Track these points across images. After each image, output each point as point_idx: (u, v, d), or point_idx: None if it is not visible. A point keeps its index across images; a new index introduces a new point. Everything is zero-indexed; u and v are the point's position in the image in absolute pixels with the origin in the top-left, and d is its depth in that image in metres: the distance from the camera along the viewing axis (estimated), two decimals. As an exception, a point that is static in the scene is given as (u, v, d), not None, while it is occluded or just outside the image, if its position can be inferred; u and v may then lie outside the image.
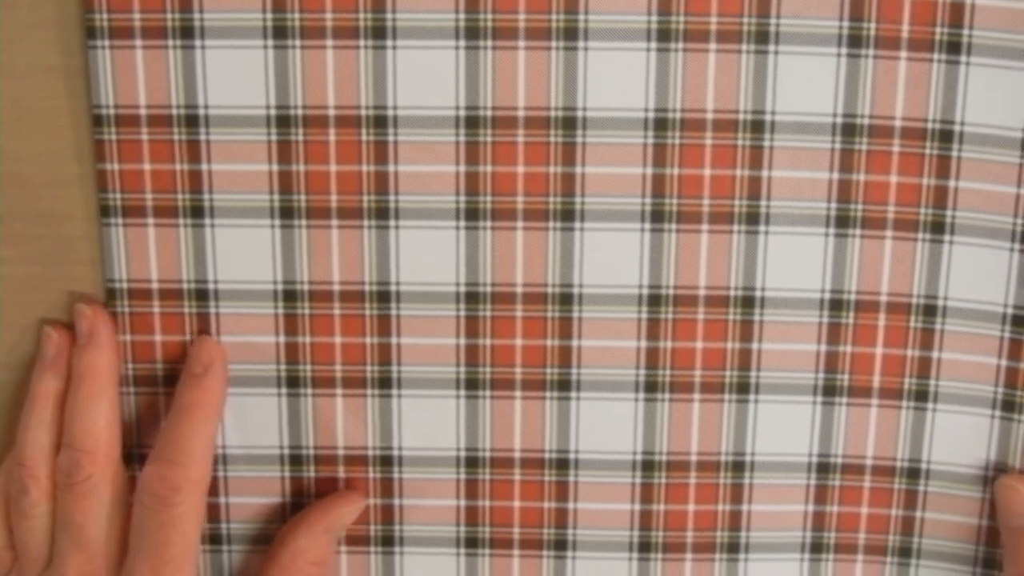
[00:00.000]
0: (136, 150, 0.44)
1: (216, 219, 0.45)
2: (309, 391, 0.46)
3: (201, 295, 0.45)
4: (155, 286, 0.45)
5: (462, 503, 0.47)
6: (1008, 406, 0.45)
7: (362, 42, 0.43)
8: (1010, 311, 0.45)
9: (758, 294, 0.45)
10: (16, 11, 0.44)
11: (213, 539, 0.48)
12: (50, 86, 0.44)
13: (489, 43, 0.43)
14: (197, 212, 0.45)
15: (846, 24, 0.42)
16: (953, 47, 0.42)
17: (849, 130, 0.43)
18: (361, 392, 0.46)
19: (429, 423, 0.47)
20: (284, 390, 0.46)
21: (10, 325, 0.47)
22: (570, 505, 0.47)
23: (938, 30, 0.42)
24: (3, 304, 0.46)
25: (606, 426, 0.46)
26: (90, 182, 0.45)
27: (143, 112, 0.44)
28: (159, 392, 0.46)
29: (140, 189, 0.44)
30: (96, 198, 0.45)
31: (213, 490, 0.47)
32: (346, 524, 0.47)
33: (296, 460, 0.47)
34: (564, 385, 0.46)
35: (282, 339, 0.46)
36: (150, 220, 0.45)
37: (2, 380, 0.47)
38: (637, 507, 0.47)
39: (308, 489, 0.47)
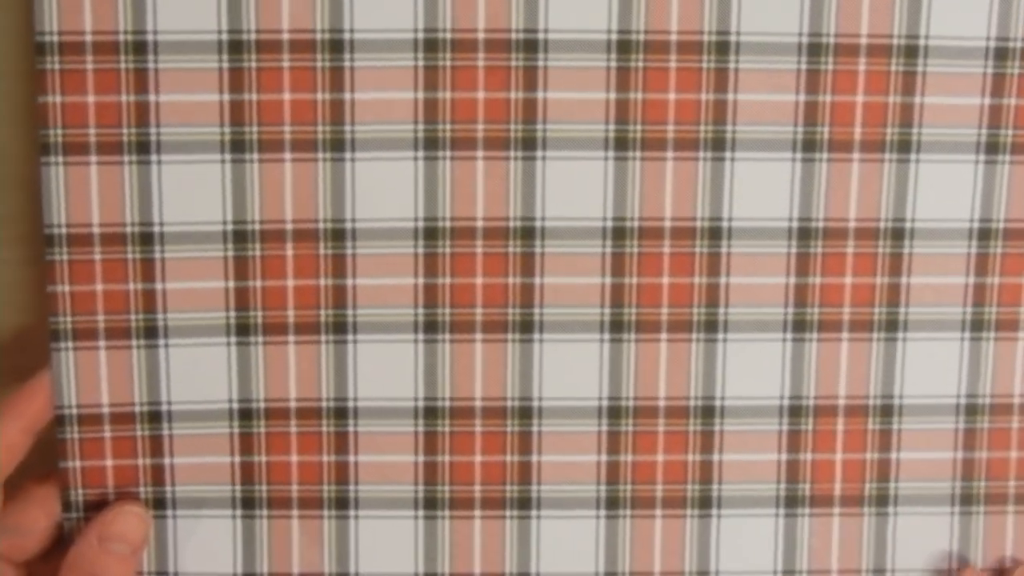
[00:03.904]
0: (88, 269, 0.43)
1: (171, 339, 0.44)
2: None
3: (154, 417, 0.44)
4: (106, 410, 0.44)
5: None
6: (966, 500, 0.46)
7: (320, 155, 0.43)
8: (963, 401, 0.45)
9: (718, 403, 0.45)
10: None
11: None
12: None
13: (447, 153, 0.43)
14: (151, 333, 0.44)
15: (800, 129, 0.44)
16: (904, 146, 0.44)
17: (805, 234, 0.44)
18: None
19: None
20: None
21: (12, 327, 0.45)
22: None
23: (889, 130, 0.44)
24: (5, 306, 0.45)
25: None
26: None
27: (96, 231, 0.43)
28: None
29: (92, 311, 0.43)
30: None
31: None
32: (124, 535, 0.43)
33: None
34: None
35: (238, 459, 0.44)
36: (101, 343, 0.44)
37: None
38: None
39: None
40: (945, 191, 0.44)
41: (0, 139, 0.45)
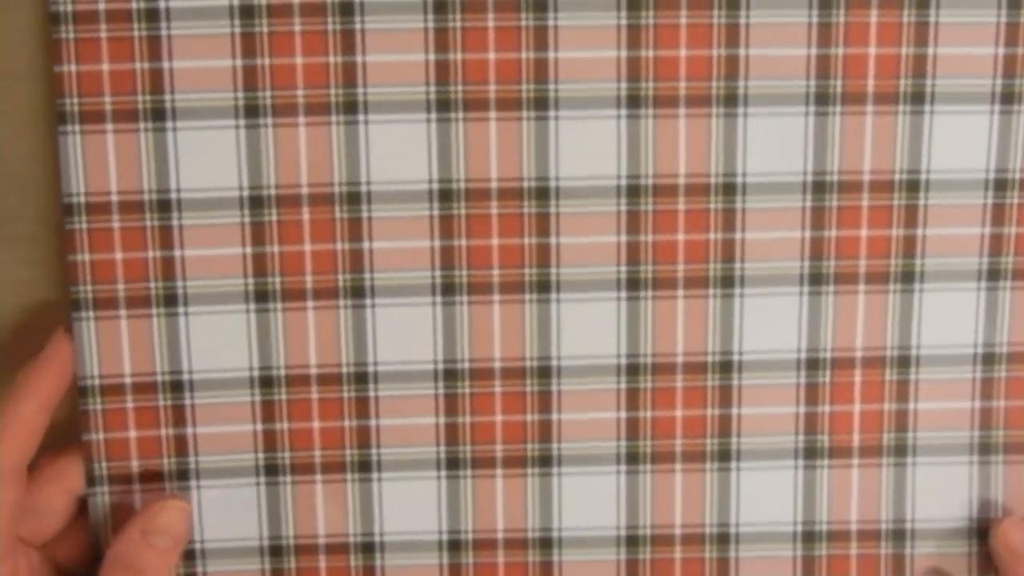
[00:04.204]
0: (107, 238, 0.43)
1: (190, 307, 0.44)
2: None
3: (176, 386, 0.44)
4: (128, 380, 0.44)
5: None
6: (984, 449, 0.46)
7: (334, 118, 0.43)
8: (980, 351, 0.45)
9: (735, 358, 0.45)
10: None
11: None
12: (44, 88, 0.44)
13: (460, 115, 0.43)
14: (171, 301, 0.44)
15: (813, 82, 0.44)
16: (917, 97, 0.44)
17: (819, 187, 0.44)
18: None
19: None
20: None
21: (10, 329, 0.46)
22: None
23: (903, 82, 0.44)
24: (5, 306, 0.45)
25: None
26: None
27: (114, 199, 0.43)
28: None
29: (112, 280, 0.44)
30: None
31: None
32: (168, 528, 0.44)
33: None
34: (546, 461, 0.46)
35: (260, 427, 0.45)
36: (122, 312, 0.44)
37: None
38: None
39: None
40: (960, 142, 0.44)
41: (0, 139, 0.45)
